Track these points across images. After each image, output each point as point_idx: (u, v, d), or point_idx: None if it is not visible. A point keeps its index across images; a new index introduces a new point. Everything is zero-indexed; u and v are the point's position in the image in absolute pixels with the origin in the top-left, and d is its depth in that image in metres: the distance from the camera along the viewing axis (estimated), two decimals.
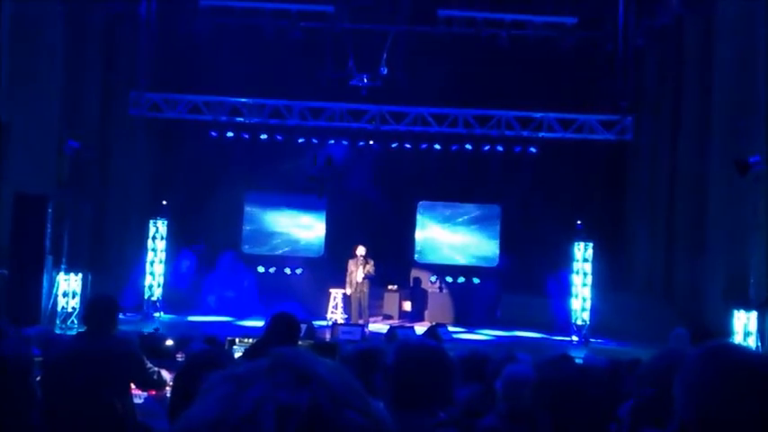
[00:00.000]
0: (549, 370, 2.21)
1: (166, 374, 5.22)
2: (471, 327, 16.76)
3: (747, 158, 13.18)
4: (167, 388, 5.09)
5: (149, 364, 5.09)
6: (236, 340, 8.89)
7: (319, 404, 0.91)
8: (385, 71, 16.99)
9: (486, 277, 18.79)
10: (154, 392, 5.37)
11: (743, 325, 13.06)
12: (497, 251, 19.24)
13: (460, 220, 19.58)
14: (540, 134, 16.92)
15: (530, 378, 3.07)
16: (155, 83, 16.89)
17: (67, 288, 14.33)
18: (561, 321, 16.46)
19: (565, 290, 16.58)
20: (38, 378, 4.67)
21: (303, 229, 19.49)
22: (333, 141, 18.48)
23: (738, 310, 13.20)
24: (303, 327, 8.69)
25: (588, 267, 16.02)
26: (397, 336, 12.76)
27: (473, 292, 18.43)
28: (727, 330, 13.09)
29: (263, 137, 17.93)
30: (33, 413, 2.54)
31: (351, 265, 15.97)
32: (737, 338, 12.88)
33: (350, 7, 16.93)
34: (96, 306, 5.13)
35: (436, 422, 2.76)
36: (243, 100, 16.85)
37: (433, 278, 18.49)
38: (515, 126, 16.87)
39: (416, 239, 19.48)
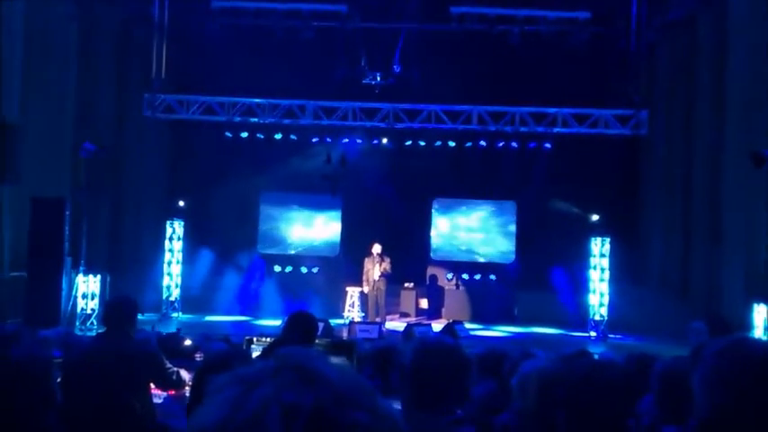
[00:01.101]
0: (564, 366, 2.20)
1: (185, 374, 5.24)
2: (488, 323, 16.74)
3: (763, 151, 13.09)
4: (186, 388, 5.12)
5: (168, 365, 5.11)
6: (254, 339, 8.90)
7: (323, 404, 0.91)
8: (398, 69, 16.99)
9: (503, 274, 18.74)
10: (173, 392, 5.40)
11: (763, 319, 12.97)
12: (513, 248, 19.19)
13: (476, 216, 19.54)
14: (555, 130, 16.87)
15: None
16: (168, 84, 16.95)
17: (86, 290, 14.42)
18: (572, 315, 16.43)
19: (572, 283, 16.56)
20: (58, 379, 4.71)
21: (319, 227, 19.51)
22: (347, 140, 18.48)
23: (758, 303, 13.12)
24: (320, 325, 8.71)
25: (605, 262, 15.97)
26: (413, 333, 12.76)
27: (489, 289, 18.40)
28: (746, 324, 13.01)
29: (278, 137, 17.95)
30: (51, 414, 2.56)
31: (367, 263, 15.99)
32: (757, 333, 12.80)
33: (362, 6, 16.93)
34: (115, 307, 5.16)
35: (453, 419, 2.77)
36: (256, 100, 16.89)
37: (450, 275, 18.47)
38: (529, 122, 16.82)
39: (432, 237, 19.46)
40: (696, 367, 1.86)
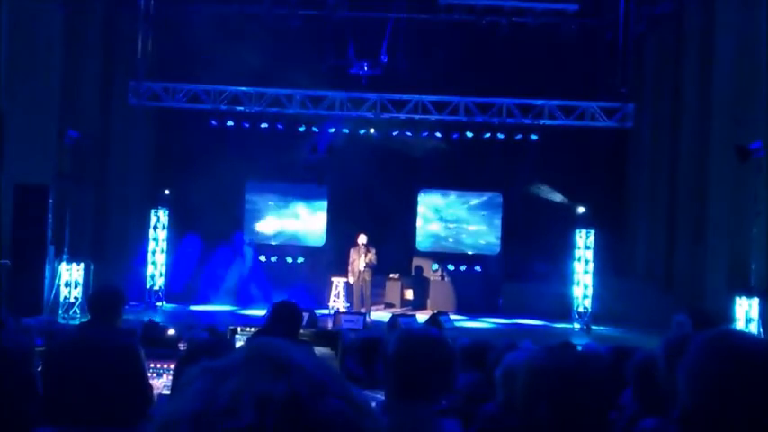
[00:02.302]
0: (547, 357, 2.20)
1: (157, 391, 5.16)
2: (473, 315, 16.78)
3: (748, 145, 13.16)
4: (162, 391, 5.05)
5: (147, 375, 5.00)
6: (238, 329, 8.89)
7: (298, 392, 0.91)
8: (385, 59, 16.94)
9: (488, 265, 18.78)
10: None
11: (744, 312, 13.06)
12: (499, 239, 19.23)
13: (462, 207, 19.57)
14: (542, 121, 16.88)
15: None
16: (154, 72, 16.85)
17: (69, 278, 14.34)
18: (556, 306, 16.46)
19: (556, 275, 16.62)
20: (39, 368, 4.67)
21: (304, 217, 19.49)
22: (333, 130, 18.44)
23: (740, 296, 13.21)
24: (305, 315, 8.71)
25: (590, 254, 16.02)
26: (398, 324, 12.75)
27: (475, 280, 18.44)
28: (728, 317, 13.09)
29: (264, 126, 17.89)
30: (33, 402, 2.55)
31: (352, 253, 15.98)
32: (739, 325, 12.89)
33: None
34: (101, 297, 5.12)
35: (438, 410, 2.76)
36: (243, 89, 16.81)
37: (435, 266, 18.49)
38: (516, 113, 16.83)
39: (418, 228, 19.48)
40: (681, 359, 1.86)
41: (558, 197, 17.43)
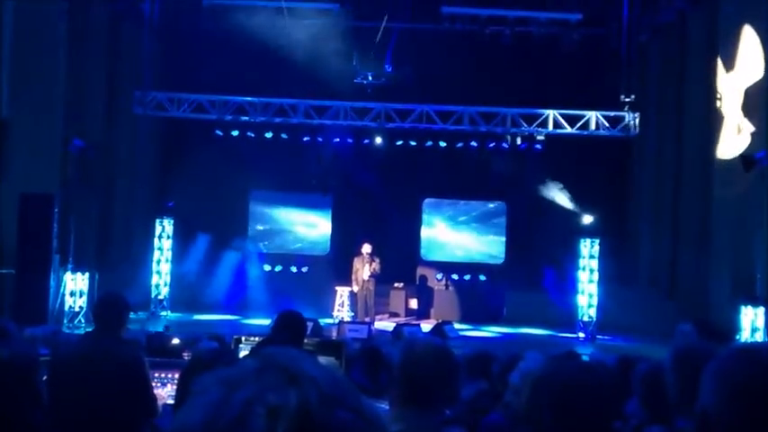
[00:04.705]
0: (552, 367, 2.21)
1: (161, 401, 5.15)
2: (477, 324, 16.76)
3: (753, 154, 13.15)
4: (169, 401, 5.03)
5: (152, 385, 4.99)
6: (243, 339, 8.88)
7: (309, 404, 0.90)
8: (389, 69, 16.98)
9: (492, 274, 18.76)
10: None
11: (750, 321, 13.01)
12: (503, 248, 19.21)
13: (466, 217, 19.56)
14: (545, 131, 16.89)
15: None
16: (159, 82, 16.89)
17: (74, 287, 14.36)
18: (561, 316, 16.42)
19: (561, 284, 16.59)
20: (44, 378, 4.67)
21: (309, 227, 19.50)
22: (338, 139, 18.47)
23: (745, 305, 13.16)
24: (309, 325, 8.69)
25: (594, 264, 16.00)
26: (403, 333, 12.77)
27: (479, 290, 18.41)
28: (733, 327, 13.05)
29: (268, 135, 17.92)
30: (37, 413, 2.55)
31: (357, 262, 15.99)
32: (744, 335, 12.85)
33: (354, 5, 16.92)
34: (107, 305, 5.12)
35: (442, 419, 2.77)
36: (248, 99, 16.85)
37: (440, 276, 18.47)
38: (520, 123, 16.85)
39: (422, 237, 19.47)
40: (710, 364, 1.87)
41: (562, 201, 17.39)
